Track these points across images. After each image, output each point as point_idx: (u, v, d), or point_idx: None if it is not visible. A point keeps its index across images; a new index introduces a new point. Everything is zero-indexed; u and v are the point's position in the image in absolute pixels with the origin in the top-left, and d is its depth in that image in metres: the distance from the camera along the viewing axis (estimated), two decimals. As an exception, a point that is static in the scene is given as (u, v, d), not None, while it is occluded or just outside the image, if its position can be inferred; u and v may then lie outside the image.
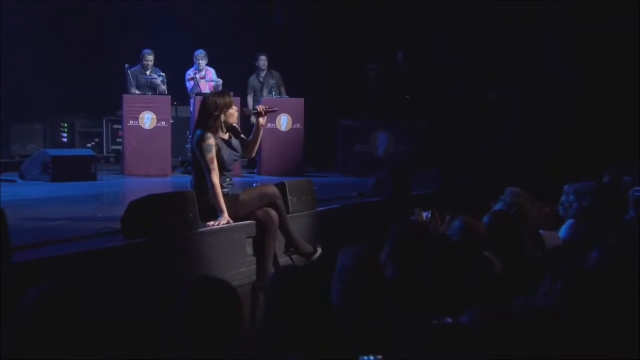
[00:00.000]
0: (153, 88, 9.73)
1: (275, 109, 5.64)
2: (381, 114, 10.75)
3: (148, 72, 9.81)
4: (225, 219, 5.00)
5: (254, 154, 5.59)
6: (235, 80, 10.07)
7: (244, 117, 5.54)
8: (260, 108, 5.33)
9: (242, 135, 5.37)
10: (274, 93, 9.94)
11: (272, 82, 10.09)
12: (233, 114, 5.17)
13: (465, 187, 8.05)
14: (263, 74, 10.20)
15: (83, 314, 2.09)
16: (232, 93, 5.38)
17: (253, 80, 10.26)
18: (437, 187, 8.31)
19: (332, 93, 11.44)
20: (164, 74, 9.74)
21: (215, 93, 5.25)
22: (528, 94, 10.57)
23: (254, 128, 5.37)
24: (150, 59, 9.75)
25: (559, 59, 10.32)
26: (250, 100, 10.16)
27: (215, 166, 5.02)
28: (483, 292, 2.96)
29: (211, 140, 5.04)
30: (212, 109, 5.09)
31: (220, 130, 5.15)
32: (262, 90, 10.14)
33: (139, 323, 3.93)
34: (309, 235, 5.79)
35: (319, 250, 5.41)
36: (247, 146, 5.36)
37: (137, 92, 9.59)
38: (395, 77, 10.85)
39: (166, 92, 9.69)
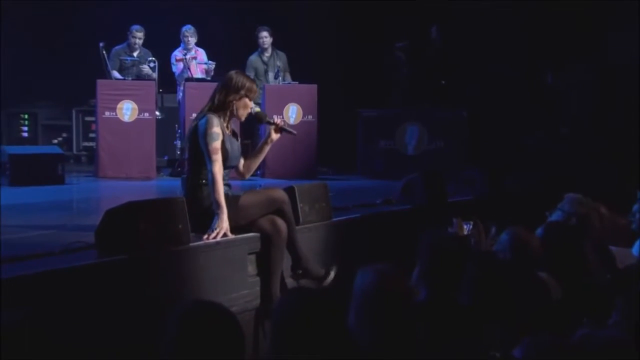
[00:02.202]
0: (139, 74, 9.75)
1: (294, 132, 5.57)
2: (411, 102, 10.77)
3: (135, 54, 9.86)
4: (223, 220, 5.02)
5: (248, 175, 5.61)
6: (230, 65, 10.11)
7: (253, 119, 5.56)
8: (279, 121, 5.38)
9: (241, 142, 5.44)
10: (280, 77, 9.95)
11: (278, 64, 10.12)
12: (247, 106, 5.22)
13: (514, 192, 8.03)
14: (267, 54, 10.18)
15: (48, 348, 2.11)
16: None
17: (254, 60, 10.16)
18: (481, 192, 8.30)
19: (351, 77, 11.47)
20: (154, 60, 9.78)
21: (241, 72, 5.32)
22: (594, 77, 10.54)
23: (260, 142, 5.43)
24: (139, 36, 9.81)
25: (636, 36, 10.23)
26: None
27: (219, 157, 5.08)
28: (538, 321, 2.96)
29: (218, 129, 5.10)
30: (235, 87, 5.17)
31: (229, 119, 5.24)
32: (266, 73, 10.10)
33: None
34: (322, 251, 5.79)
35: (332, 274, 5.42)
36: (245, 162, 5.44)
37: (119, 75, 9.63)
38: (429, 56, 10.86)
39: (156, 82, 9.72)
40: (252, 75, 10.01)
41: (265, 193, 5.44)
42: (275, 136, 5.38)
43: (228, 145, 5.17)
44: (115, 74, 9.65)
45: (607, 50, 10.50)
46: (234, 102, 5.18)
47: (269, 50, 10.16)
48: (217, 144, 5.08)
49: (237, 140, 5.37)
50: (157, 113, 9.70)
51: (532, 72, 10.77)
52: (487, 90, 10.78)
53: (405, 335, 2.71)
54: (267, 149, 5.43)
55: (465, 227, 5.08)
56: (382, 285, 2.79)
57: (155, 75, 9.75)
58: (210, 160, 5.07)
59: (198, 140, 5.14)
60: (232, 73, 5.30)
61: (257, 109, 5.52)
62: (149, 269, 4.54)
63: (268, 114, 9.46)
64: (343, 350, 2.41)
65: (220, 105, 5.19)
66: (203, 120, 5.14)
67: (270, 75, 10.06)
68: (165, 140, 10.08)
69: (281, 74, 9.99)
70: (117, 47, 9.80)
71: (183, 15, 10.46)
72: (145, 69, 9.76)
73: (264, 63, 10.16)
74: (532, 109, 10.55)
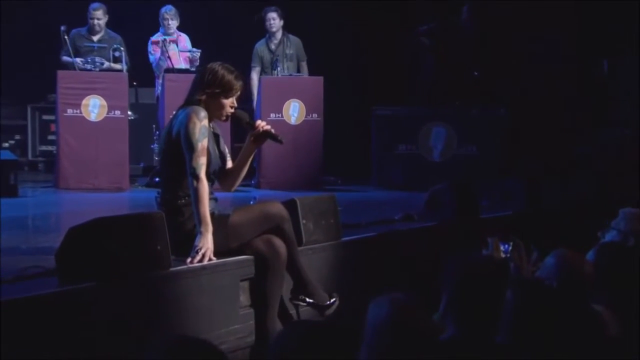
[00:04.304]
0: (103, 64, 9.74)
1: (281, 140, 5.44)
2: (437, 98, 10.77)
3: (96, 38, 9.89)
4: (208, 240, 5.02)
5: (233, 188, 5.58)
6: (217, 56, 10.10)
7: (235, 120, 5.53)
8: (261, 125, 5.32)
9: (227, 153, 5.43)
10: (279, 68, 9.96)
11: (289, 52, 10.11)
12: (221, 107, 5.21)
13: (560, 207, 8.03)
14: (275, 40, 10.16)
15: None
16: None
17: (261, 48, 10.17)
18: (520, 206, 8.30)
19: (364, 68, 11.49)
20: (121, 47, 9.77)
21: (224, 65, 5.29)
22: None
23: (243, 149, 5.39)
24: (97, 15, 9.81)
25: None
26: (254, 77, 10.11)
27: (205, 160, 5.05)
28: (591, 360, 2.97)
29: (206, 123, 5.10)
30: (208, 83, 5.15)
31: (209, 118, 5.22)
32: (273, 64, 10.06)
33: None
34: (329, 277, 5.81)
35: (335, 301, 5.43)
36: (228, 172, 5.42)
37: (78, 61, 9.61)
38: (459, 42, 10.86)
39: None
40: (258, 67, 10.06)
41: (260, 208, 5.44)
42: (254, 144, 5.34)
43: (211, 148, 5.17)
44: (66, 58, 9.63)
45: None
46: (202, 101, 5.14)
47: (278, 35, 10.12)
48: (204, 143, 5.06)
49: (221, 147, 5.35)
50: (129, 113, 9.72)
51: (583, 61, 10.76)
52: (530, 83, 10.78)
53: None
54: (248, 158, 5.38)
55: (502, 248, 5.08)
56: (399, 319, 2.79)
57: (121, 67, 9.70)
58: (192, 163, 5.03)
59: (176, 143, 5.09)
60: (209, 65, 5.29)
61: (237, 110, 5.41)
62: (121, 298, 4.54)
63: (264, 112, 9.63)
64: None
65: (193, 103, 5.17)
66: (186, 112, 5.09)
67: (280, 67, 10.01)
68: (140, 143, 10.13)
69: (280, 64, 9.97)
70: (75, 30, 9.82)
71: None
72: (105, 60, 9.67)
73: (271, 52, 10.14)
74: (584, 106, 10.54)
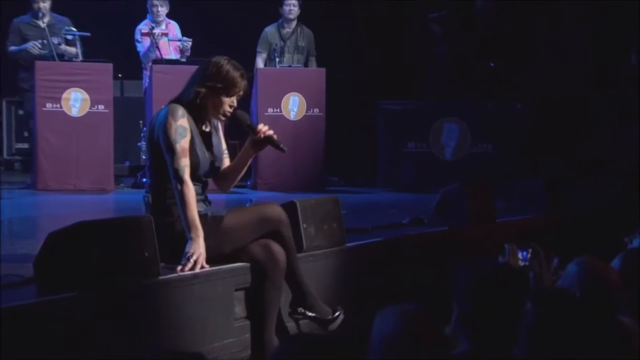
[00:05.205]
0: (44, 52, 9.66)
1: (283, 148, 5.41)
2: (450, 91, 10.78)
3: (43, 23, 9.84)
4: (199, 245, 5.02)
5: (228, 189, 5.63)
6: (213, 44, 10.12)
7: (235, 121, 5.53)
8: (263, 129, 5.32)
9: (225, 151, 5.45)
10: (298, 61, 9.97)
11: (301, 44, 10.13)
12: (220, 105, 5.21)
13: (583, 210, 8.03)
14: (289, 29, 10.17)
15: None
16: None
17: (271, 33, 10.14)
18: (540, 209, 8.30)
19: (370, 59, 11.49)
20: (72, 28, 9.72)
21: (229, 60, 5.28)
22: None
23: (241, 151, 5.42)
24: None
25: None
26: (260, 64, 10.09)
27: (187, 162, 5.07)
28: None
29: (184, 122, 5.11)
30: (208, 77, 5.16)
31: (204, 118, 5.24)
32: (282, 53, 10.09)
33: None
34: (331, 286, 5.82)
35: (340, 315, 5.43)
36: (224, 172, 5.45)
37: (32, 44, 9.56)
38: (474, 31, 10.87)
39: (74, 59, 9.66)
40: (264, 54, 10.03)
41: (257, 210, 5.46)
42: (255, 148, 5.35)
43: (199, 149, 5.18)
44: (13, 48, 9.64)
45: None
46: (200, 94, 5.16)
47: (292, 24, 10.15)
48: (184, 143, 5.07)
49: (215, 146, 5.36)
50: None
51: (609, 51, 10.76)
52: (551, 75, 10.78)
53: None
54: (246, 163, 5.42)
55: (520, 256, 5.08)
56: (407, 331, 2.80)
57: (76, 50, 9.67)
58: (174, 166, 5.05)
59: (158, 143, 5.13)
60: (215, 58, 5.28)
61: (238, 111, 5.43)
62: (105, 309, 4.55)
63: (260, 107, 9.63)
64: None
65: (186, 96, 5.19)
66: (163, 112, 5.14)
67: (287, 57, 10.04)
68: (126, 141, 10.13)
69: (288, 54, 9.97)
70: (17, 19, 9.81)
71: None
72: (66, 49, 9.65)
73: (282, 39, 10.15)
74: (609, 101, 10.54)
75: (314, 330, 5.39)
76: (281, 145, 5.39)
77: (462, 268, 3.40)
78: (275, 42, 10.09)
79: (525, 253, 5.11)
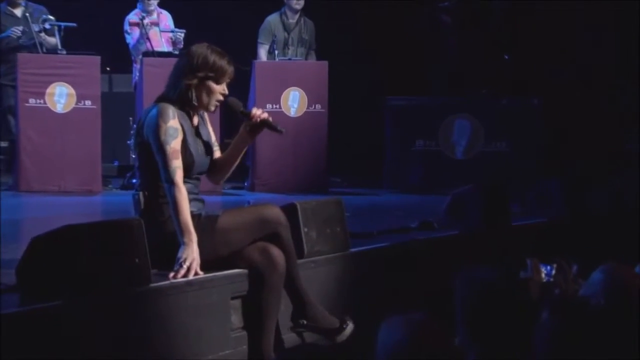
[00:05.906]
0: (20, 42, 9.69)
1: (280, 130, 5.45)
2: (461, 86, 10.78)
3: (19, 12, 9.83)
4: (193, 250, 5.02)
5: (222, 180, 5.67)
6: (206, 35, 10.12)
7: (227, 108, 5.55)
8: (257, 113, 5.33)
9: (215, 142, 5.46)
10: (302, 54, 10.02)
11: (305, 37, 10.17)
12: (212, 93, 5.22)
13: (607, 213, 8.02)
14: (292, 20, 10.21)
15: None
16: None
17: (274, 23, 10.18)
18: (560, 211, 8.30)
19: (375, 51, 11.49)
20: (52, 18, 9.71)
21: (210, 46, 5.33)
22: None
23: (235, 138, 5.42)
24: None
25: None
26: (262, 56, 10.12)
27: (179, 163, 5.09)
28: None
29: (175, 122, 5.12)
30: (194, 66, 5.17)
31: (194, 111, 5.27)
32: (286, 45, 10.15)
33: None
34: (334, 293, 5.82)
35: (349, 326, 5.40)
36: (216, 164, 5.45)
37: (11, 31, 9.58)
38: (487, 21, 10.88)
39: (58, 50, 9.66)
40: (267, 45, 10.03)
41: (254, 210, 5.45)
42: (251, 134, 5.37)
43: (193, 147, 5.20)
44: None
45: None
46: (192, 86, 5.18)
47: (296, 15, 10.20)
48: (175, 145, 5.09)
49: (205, 139, 5.38)
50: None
51: (630, 42, 10.76)
52: (570, 69, 10.78)
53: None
54: (241, 152, 5.43)
55: (544, 270, 5.07)
56: (415, 342, 2.79)
57: (56, 41, 9.67)
58: (165, 169, 5.07)
59: (148, 142, 5.15)
60: (195, 48, 5.31)
61: (229, 98, 5.45)
62: (92, 319, 4.54)
63: (258, 102, 9.61)
64: None
65: (174, 91, 5.20)
66: (153, 112, 5.16)
67: (291, 49, 10.08)
68: (114, 139, 10.15)
69: (292, 46, 9.99)
70: None
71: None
72: (44, 37, 9.64)
73: (286, 30, 10.19)
74: (633, 96, 10.53)
75: (318, 340, 5.39)
76: (278, 127, 5.41)
77: (457, 277, 3.39)
78: (278, 33, 10.12)
79: (549, 268, 5.09)
